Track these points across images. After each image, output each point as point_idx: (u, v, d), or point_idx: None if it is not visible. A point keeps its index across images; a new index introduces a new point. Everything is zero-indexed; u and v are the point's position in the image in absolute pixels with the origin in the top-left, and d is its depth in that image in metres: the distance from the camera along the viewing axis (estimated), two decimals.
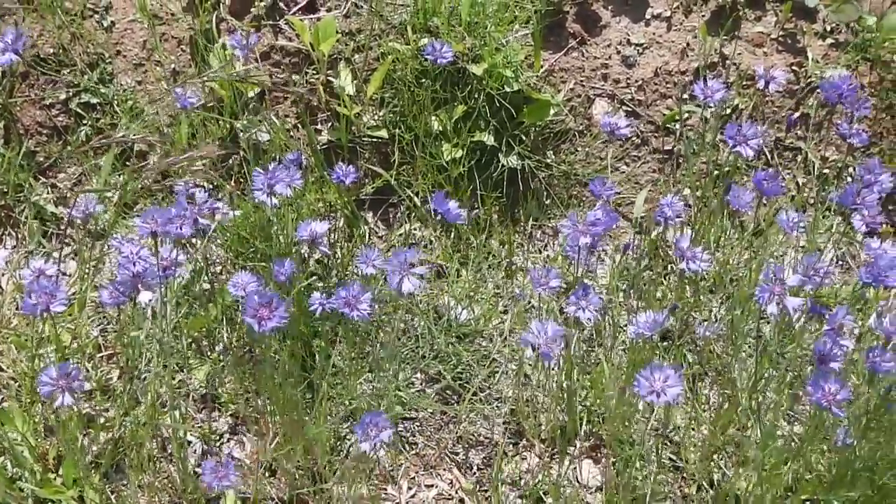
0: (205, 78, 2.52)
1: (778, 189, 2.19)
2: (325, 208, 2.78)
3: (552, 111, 2.86)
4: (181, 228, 1.92)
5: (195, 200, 1.98)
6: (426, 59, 2.61)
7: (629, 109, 3.04)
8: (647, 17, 3.11)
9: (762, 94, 3.07)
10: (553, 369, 2.48)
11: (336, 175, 2.39)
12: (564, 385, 2.41)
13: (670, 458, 2.54)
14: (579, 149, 3.01)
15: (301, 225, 2.07)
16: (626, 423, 2.44)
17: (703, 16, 3.15)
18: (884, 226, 3.16)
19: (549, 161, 2.97)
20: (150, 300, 1.94)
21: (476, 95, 2.85)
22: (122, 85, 2.99)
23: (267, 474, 2.47)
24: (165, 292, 2.00)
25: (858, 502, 2.05)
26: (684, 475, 2.53)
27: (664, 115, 3.05)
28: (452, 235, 2.88)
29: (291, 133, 2.93)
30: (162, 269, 1.97)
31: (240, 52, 2.39)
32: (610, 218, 1.94)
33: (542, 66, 2.97)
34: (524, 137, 2.95)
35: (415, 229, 2.92)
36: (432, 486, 2.57)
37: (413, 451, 2.62)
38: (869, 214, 2.32)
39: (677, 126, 3.03)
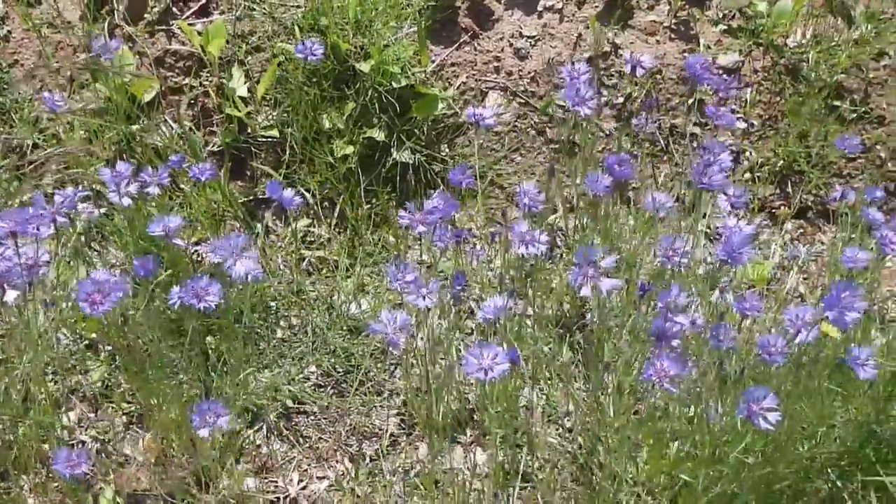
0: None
1: (629, 173, 2.28)
2: (217, 208, 2.86)
3: (441, 106, 2.95)
4: (38, 229, 2.00)
5: (54, 201, 2.07)
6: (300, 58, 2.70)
7: (522, 101, 3.13)
8: (540, 9, 3.21)
9: (655, 81, 3.18)
10: (443, 359, 2.58)
11: (192, 173, 2.48)
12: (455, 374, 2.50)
13: (560, 443, 2.63)
14: (473, 141, 3.10)
15: (155, 221, 2.16)
16: (512, 410, 2.52)
17: (597, 6, 3.25)
18: (782, 207, 3.28)
19: (443, 154, 3.06)
20: (15, 299, 2.03)
21: (367, 93, 2.93)
22: (19, 93, 3.07)
23: (159, 470, 2.55)
24: (32, 291, 2.09)
25: (724, 478, 2.13)
26: (573, 459, 2.61)
27: (557, 105, 3.14)
28: (349, 231, 2.97)
29: (186, 136, 3.01)
30: (27, 268, 2.06)
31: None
32: (449, 205, 2.03)
33: (433, 62, 3.07)
34: (417, 132, 3.04)
35: (311, 226, 3.01)
36: (324, 477, 2.65)
37: (306, 444, 2.70)
38: (734, 194, 2.41)
39: (562, 114, 3.12)
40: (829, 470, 2.21)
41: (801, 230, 3.28)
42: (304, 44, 2.66)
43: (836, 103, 3.30)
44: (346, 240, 2.95)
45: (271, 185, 2.29)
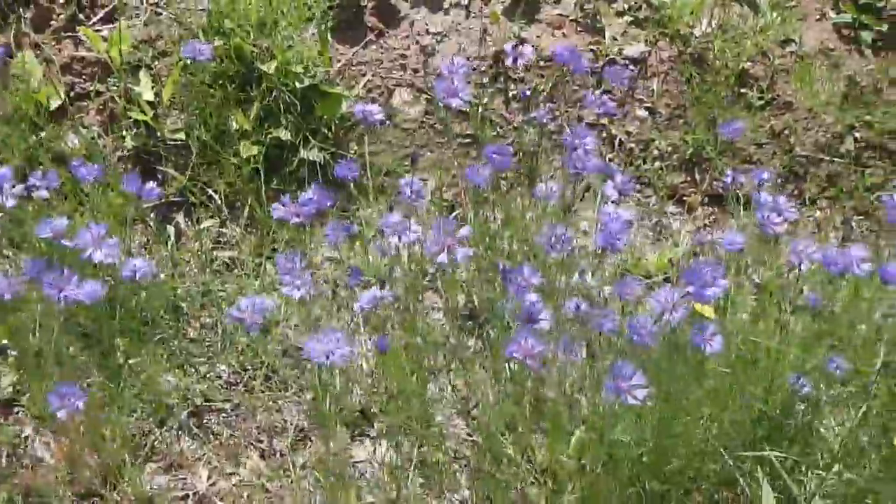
0: None
1: (507, 163, 2.37)
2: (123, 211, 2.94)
3: (345, 104, 3.03)
4: None
5: None
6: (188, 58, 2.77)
7: (429, 97, 3.22)
8: (446, 5, 3.30)
9: (562, 73, 3.27)
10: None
11: (81, 175, 2.55)
12: (364, 368, 2.59)
13: (468, 435, 2.72)
14: (382, 139, 3.19)
15: (41, 223, 2.24)
16: (422, 403, 2.61)
17: (504, 2, 3.34)
18: (692, 194, 3.38)
19: (351, 153, 3.15)
20: None
21: (271, 93, 3.02)
22: None
23: (65, 471, 2.62)
24: None
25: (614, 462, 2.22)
26: (483, 451, 2.69)
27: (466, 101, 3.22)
28: (258, 231, 3.05)
29: (96, 141, 3.09)
30: None
31: None
32: (323, 197, 2.12)
33: (338, 61, 3.15)
34: (325, 131, 3.12)
35: (222, 227, 3.09)
36: (233, 473, 2.73)
37: (217, 441, 2.78)
38: (620, 181, 2.50)
39: (478, 110, 3.22)
40: (723, 450, 2.29)
41: (713, 216, 3.37)
42: (192, 45, 2.73)
43: (744, 90, 3.40)
44: (256, 239, 3.03)
45: (127, 178, 2.38)
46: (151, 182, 2.55)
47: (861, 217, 3.49)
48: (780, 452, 2.21)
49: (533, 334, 1.98)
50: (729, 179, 2.68)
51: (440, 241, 1.79)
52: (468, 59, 3.25)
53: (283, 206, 2.12)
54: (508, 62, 2.61)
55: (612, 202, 2.49)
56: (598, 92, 2.59)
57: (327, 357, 1.79)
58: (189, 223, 3.14)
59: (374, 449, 2.76)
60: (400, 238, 2.04)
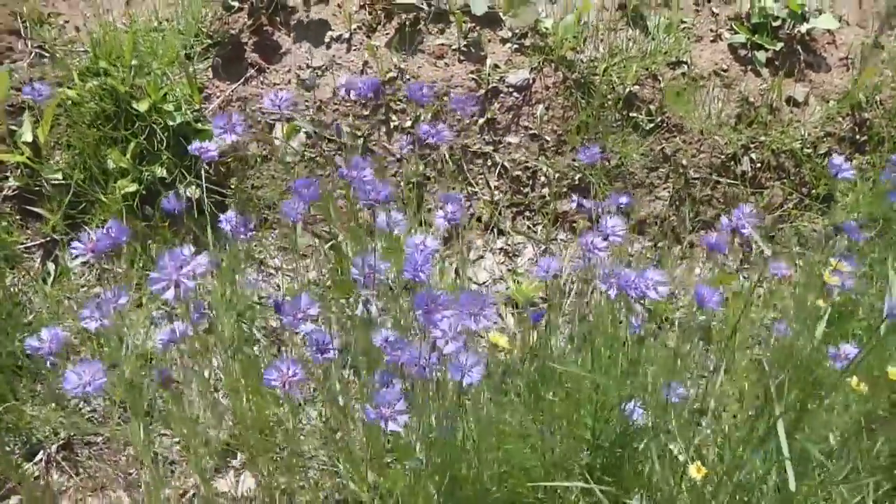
0: None
1: (315, 195, 2.48)
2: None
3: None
4: None
5: None
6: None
7: (308, 131, 3.35)
8: (328, 40, 3.44)
9: (442, 103, 3.39)
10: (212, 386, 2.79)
11: None
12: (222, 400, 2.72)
13: (333, 463, 2.82)
14: (265, 173, 3.33)
15: None
16: (286, 433, 2.72)
17: (388, 34, 3.48)
18: (580, 221, 3.48)
19: (232, 188, 3.29)
20: None
21: (145, 132, 3.17)
22: None
23: None
24: None
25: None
26: (336, 474, 2.80)
27: (347, 132, 3.37)
28: (135, 267, 3.20)
29: None
30: None
31: None
32: (121, 233, 2.24)
33: (217, 97, 3.30)
34: (207, 167, 3.27)
35: (105, 264, 3.24)
36: None
37: (85, 475, 2.91)
38: (451, 211, 2.61)
39: (359, 142, 3.35)
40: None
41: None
42: (31, 86, 2.86)
43: (633, 114, 3.50)
44: (136, 274, 3.18)
45: None
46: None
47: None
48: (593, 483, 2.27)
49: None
50: (574, 204, 2.78)
51: (169, 274, 1.90)
52: (349, 91, 3.38)
53: (81, 243, 2.25)
54: (342, 94, 2.73)
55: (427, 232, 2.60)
56: (429, 121, 2.68)
57: (84, 388, 1.92)
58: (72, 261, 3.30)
59: (238, 480, 2.88)
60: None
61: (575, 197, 2.87)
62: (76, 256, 3.17)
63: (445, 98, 3.42)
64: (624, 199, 2.81)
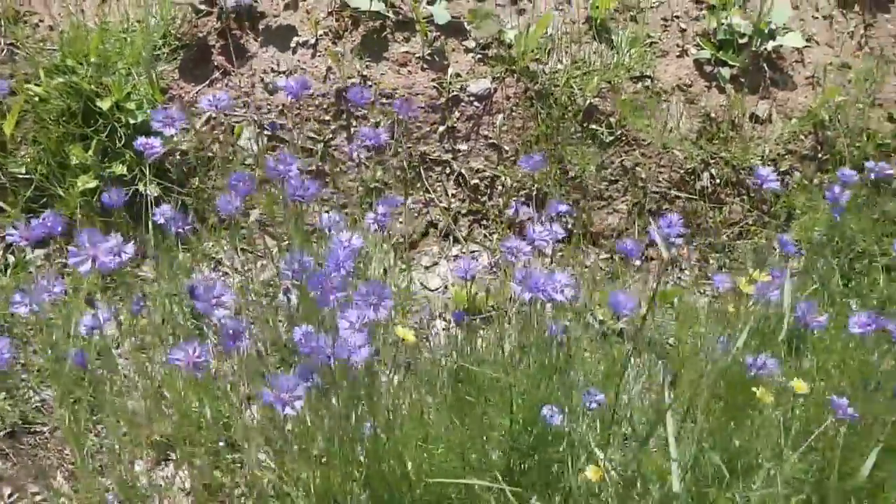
0: None
1: (247, 190, 2.55)
2: None
3: (175, 140, 3.27)
4: None
5: None
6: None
7: (270, 133, 3.43)
8: (294, 45, 3.52)
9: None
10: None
11: None
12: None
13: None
14: (225, 174, 3.40)
15: None
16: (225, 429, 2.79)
17: (354, 40, 3.55)
18: None
19: (194, 188, 3.37)
20: None
21: (107, 129, 3.26)
22: None
23: None
24: None
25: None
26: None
27: (307, 136, 3.44)
28: None
29: None
30: None
31: None
32: (55, 223, 2.32)
33: (182, 98, 3.39)
34: (169, 166, 3.35)
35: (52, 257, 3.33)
36: (37, 492, 2.94)
37: (28, 462, 2.99)
38: (380, 213, 2.67)
39: (319, 146, 3.42)
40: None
41: (561, 253, 3.50)
42: None
43: (593, 126, 3.54)
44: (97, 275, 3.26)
45: None
46: None
47: (719, 254, 3.59)
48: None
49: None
50: (512, 211, 2.83)
51: (87, 250, 1.98)
52: (311, 96, 3.45)
53: (17, 230, 2.33)
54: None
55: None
56: (370, 126, 2.75)
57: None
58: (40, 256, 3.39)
59: (176, 473, 2.95)
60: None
61: (514, 204, 2.93)
62: (10, 244, 3.28)
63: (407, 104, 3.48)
64: (563, 208, 2.86)
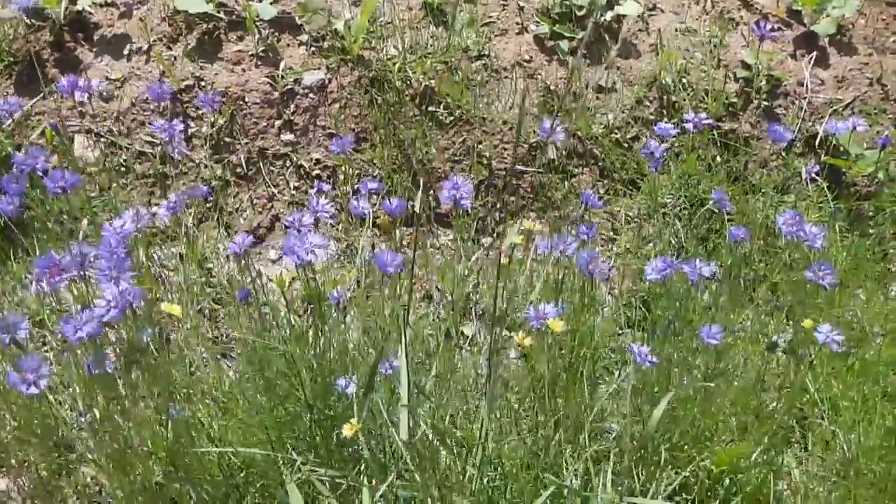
0: None
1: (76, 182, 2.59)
2: None
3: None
4: None
5: None
6: None
7: (108, 140, 3.49)
8: (127, 52, 3.58)
9: (238, 107, 3.51)
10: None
11: None
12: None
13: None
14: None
15: None
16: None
17: (189, 44, 3.62)
18: (383, 217, 3.55)
19: (31, 199, 3.42)
20: None
21: None
22: None
23: None
24: None
25: None
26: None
27: (145, 141, 3.50)
28: None
29: None
30: None
31: None
32: None
33: (17, 112, 3.45)
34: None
35: None
36: None
37: None
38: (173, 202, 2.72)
39: (158, 149, 3.48)
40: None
41: (410, 236, 3.54)
42: None
43: (432, 108, 3.59)
44: None
45: None
46: None
47: (572, 225, 3.61)
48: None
49: None
50: (315, 190, 2.88)
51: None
52: (146, 101, 3.51)
53: None
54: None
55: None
56: (163, 120, 2.80)
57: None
58: None
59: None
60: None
61: (317, 183, 2.97)
62: None
63: (241, 102, 3.54)
64: (373, 185, 2.90)
